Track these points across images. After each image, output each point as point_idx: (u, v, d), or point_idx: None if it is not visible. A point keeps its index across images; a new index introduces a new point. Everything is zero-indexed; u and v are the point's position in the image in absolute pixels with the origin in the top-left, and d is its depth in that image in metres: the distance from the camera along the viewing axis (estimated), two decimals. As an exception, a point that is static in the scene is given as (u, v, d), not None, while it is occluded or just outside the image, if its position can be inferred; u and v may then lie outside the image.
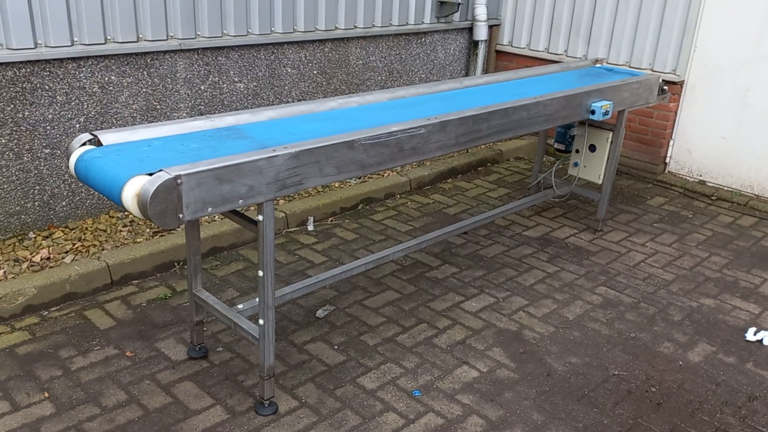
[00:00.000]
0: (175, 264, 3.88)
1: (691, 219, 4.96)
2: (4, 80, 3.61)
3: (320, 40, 5.00)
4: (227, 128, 2.83)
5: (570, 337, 3.42)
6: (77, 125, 3.96)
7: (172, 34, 4.20)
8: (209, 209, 2.28)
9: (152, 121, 4.27)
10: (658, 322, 3.60)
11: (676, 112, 5.48)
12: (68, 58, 3.80)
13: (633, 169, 5.78)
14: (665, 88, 4.53)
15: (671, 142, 5.59)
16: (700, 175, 5.52)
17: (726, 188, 5.39)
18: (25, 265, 3.57)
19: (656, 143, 5.60)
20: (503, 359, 3.22)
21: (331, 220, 4.64)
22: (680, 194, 5.42)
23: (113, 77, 4.01)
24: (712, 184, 5.47)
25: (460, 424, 2.79)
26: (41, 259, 3.63)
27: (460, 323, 3.49)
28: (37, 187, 3.91)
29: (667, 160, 5.66)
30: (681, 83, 5.37)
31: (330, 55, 5.12)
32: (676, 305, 3.78)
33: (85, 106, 3.96)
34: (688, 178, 5.59)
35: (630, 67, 5.56)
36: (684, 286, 4.00)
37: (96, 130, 3.79)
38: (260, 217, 2.48)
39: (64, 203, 4.04)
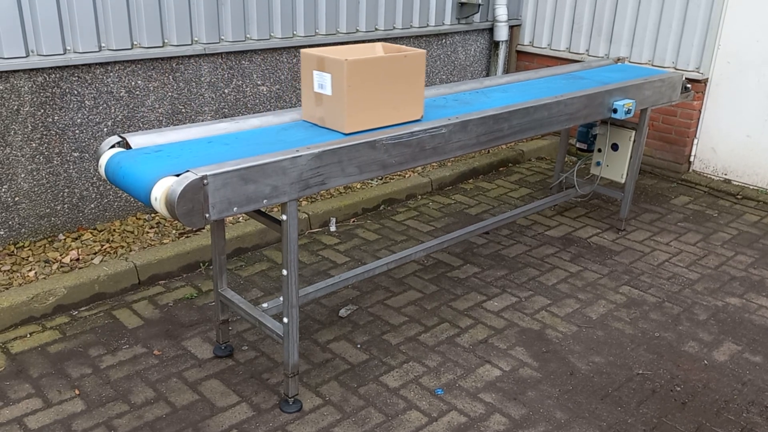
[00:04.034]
0: (201, 264, 3.95)
1: (716, 218, 4.90)
2: (34, 85, 3.71)
3: (342, 43, 5.04)
4: (497, 87, 3.87)
5: (593, 337, 3.41)
6: (105, 129, 4.05)
7: (196, 38, 4.27)
8: (234, 209, 2.33)
9: (177, 125, 4.34)
10: (682, 322, 3.57)
11: (700, 111, 5.43)
12: (96, 64, 3.88)
13: (657, 168, 5.73)
14: (688, 86, 4.49)
15: (695, 141, 5.53)
16: (725, 174, 5.46)
17: (752, 187, 5.32)
18: (55, 266, 3.65)
19: (680, 142, 5.54)
20: (526, 358, 3.22)
21: (353, 221, 4.67)
22: (705, 193, 5.36)
23: (140, 82, 4.09)
24: (737, 183, 5.40)
25: (483, 422, 2.80)
26: (71, 260, 3.72)
27: (482, 322, 3.50)
28: (67, 190, 4.00)
29: (692, 158, 5.61)
30: (705, 81, 5.31)
31: (351, 57, 5.15)
32: (701, 304, 3.75)
33: (113, 111, 4.04)
34: (712, 176, 5.53)
35: (653, 65, 5.52)
36: (709, 285, 3.96)
37: (124, 133, 3.89)
38: (284, 217, 2.52)
39: (92, 205, 4.13)
